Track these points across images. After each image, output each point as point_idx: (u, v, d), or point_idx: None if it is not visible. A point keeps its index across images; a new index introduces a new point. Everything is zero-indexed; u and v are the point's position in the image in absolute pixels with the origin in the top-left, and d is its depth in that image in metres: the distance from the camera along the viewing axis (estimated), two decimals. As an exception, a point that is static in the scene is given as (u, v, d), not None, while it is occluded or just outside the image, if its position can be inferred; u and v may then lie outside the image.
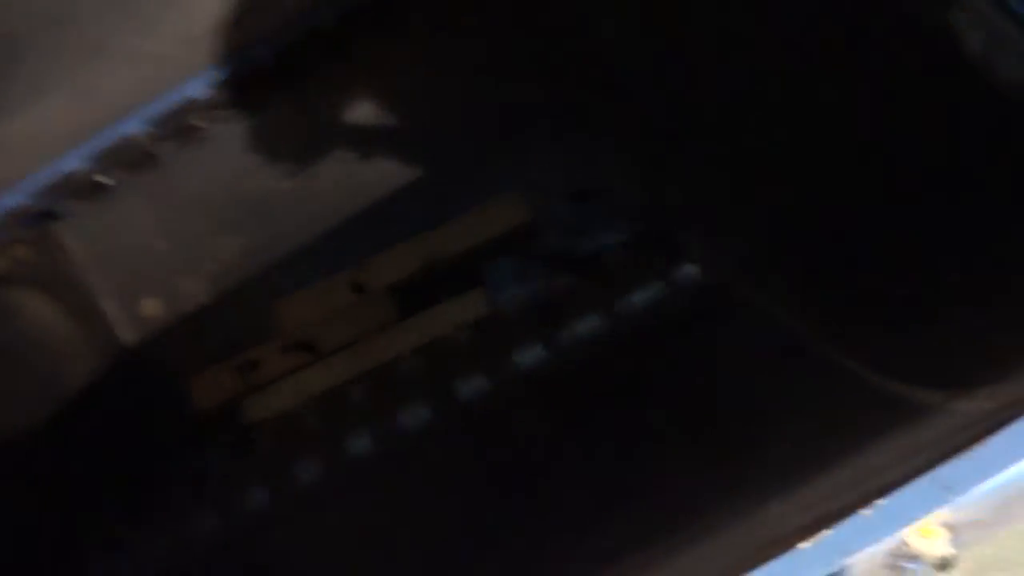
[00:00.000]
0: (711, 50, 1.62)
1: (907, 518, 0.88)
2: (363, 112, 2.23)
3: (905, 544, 1.96)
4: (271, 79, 2.04)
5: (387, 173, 2.21)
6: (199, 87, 1.84)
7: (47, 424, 1.80)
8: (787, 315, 1.45)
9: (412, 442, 1.75)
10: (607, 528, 1.14)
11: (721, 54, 1.58)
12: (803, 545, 0.84)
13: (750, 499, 0.98)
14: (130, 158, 2.00)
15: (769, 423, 1.19)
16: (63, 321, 1.97)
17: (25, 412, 1.76)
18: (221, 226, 2.20)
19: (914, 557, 1.98)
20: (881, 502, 0.85)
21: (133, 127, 1.79)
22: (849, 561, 1.87)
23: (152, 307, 2.17)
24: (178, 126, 1.98)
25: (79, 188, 1.97)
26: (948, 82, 1.10)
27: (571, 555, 1.11)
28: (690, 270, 1.78)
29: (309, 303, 2.08)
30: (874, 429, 1.04)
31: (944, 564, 2.05)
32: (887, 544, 2.00)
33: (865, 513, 0.85)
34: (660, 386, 1.48)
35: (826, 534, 0.84)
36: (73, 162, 1.75)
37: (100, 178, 2.02)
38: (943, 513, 1.96)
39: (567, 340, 1.83)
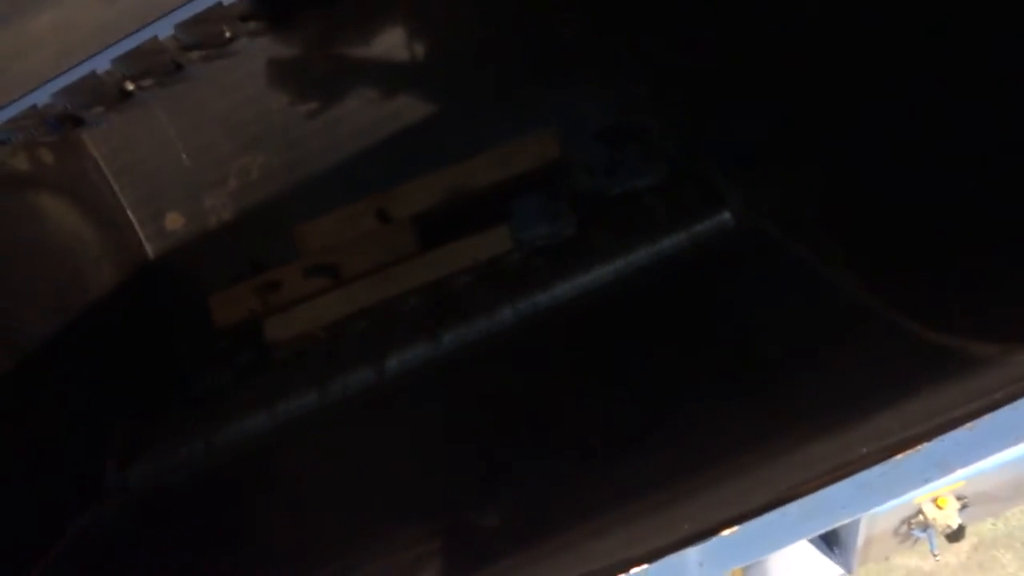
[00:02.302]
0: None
1: (946, 467, 0.85)
2: (395, 38, 2.17)
3: (920, 512, 1.96)
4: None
5: (418, 100, 2.16)
6: (230, -7, 1.77)
7: (66, 330, 1.80)
8: (824, 262, 1.41)
9: (425, 372, 1.74)
10: (635, 464, 1.14)
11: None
12: (833, 486, 0.83)
13: (787, 441, 0.97)
14: (157, 65, 1.95)
15: (809, 370, 1.17)
16: (87, 228, 1.95)
17: (47, 315, 1.75)
18: (246, 144, 2.17)
19: (926, 526, 1.98)
20: (921, 447, 0.82)
21: (161, 31, 1.73)
22: (862, 524, 1.86)
23: (175, 220, 2.16)
24: (206, 33, 1.92)
25: (106, 93, 1.93)
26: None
27: (598, 487, 1.11)
28: (726, 215, 1.73)
29: (333, 227, 2.06)
30: (919, 379, 1.02)
31: (954, 535, 2.05)
32: (901, 511, 1.98)
33: (902, 457, 0.83)
34: (692, 331, 1.45)
35: (861, 475, 0.82)
36: (100, 64, 1.70)
37: (128, 85, 1.98)
38: (957, 484, 1.95)
39: (593, 282, 1.80)
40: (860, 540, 1.88)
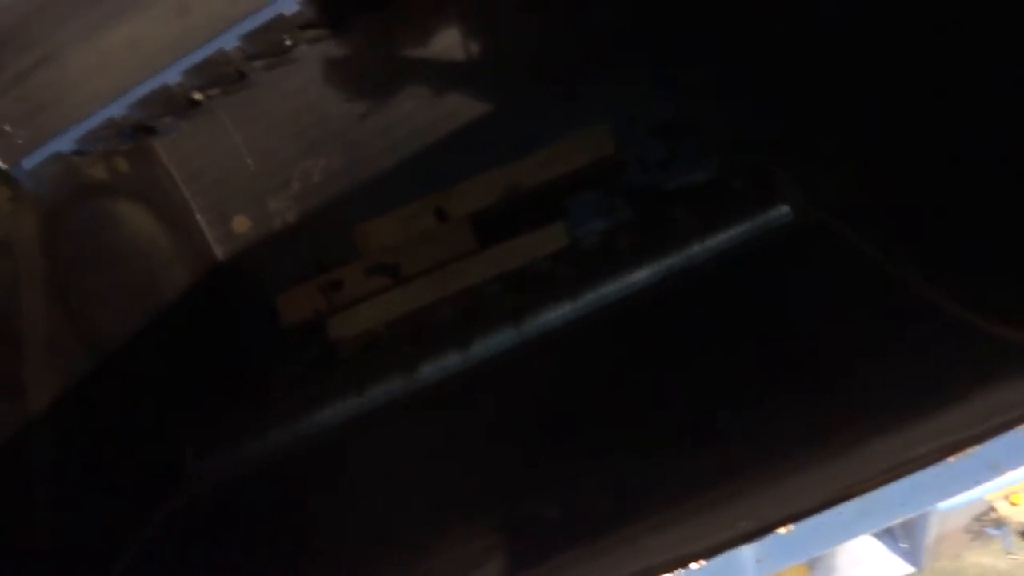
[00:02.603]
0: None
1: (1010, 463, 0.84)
2: (450, 39, 2.21)
3: (992, 509, 1.90)
4: (361, -1, 2.03)
5: (472, 100, 2.19)
6: (290, 3, 1.83)
7: (143, 329, 1.90)
8: (886, 256, 1.39)
9: (491, 366, 1.77)
10: (693, 460, 1.14)
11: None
12: (888, 485, 0.82)
13: (846, 438, 0.96)
14: (223, 75, 2.03)
15: (870, 365, 1.16)
16: (160, 232, 2.05)
17: (125, 316, 1.85)
18: (307, 147, 2.24)
19: (999, 523, 1.92)
20: (973, 450, 0.81)
21: (227, 43, 1.80)
22: (933, 520, 1.82)
23: (242, 223, 2.24)
24: (268, 42, 1.99)
25: (176, 103, 2.02)
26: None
27: (657, 483, 1.12)
28: (784, 209, 1.71)
29: (393, 227, 2.11)
30: (984, 375, 1.00)
31: (1029, 534, 1.96)
32: (973, 508, 1.93)
33: (954, 459, 0.82)
34: (751, 327, 1.44)
35: (915, 475, 0.82)
36: (171, 76, 1.78)
37: (196, 95, 2.07)
38: (1035, 481, 1.86)
39: (648, 277, 1.80)
40: (930, 537, 1.83)
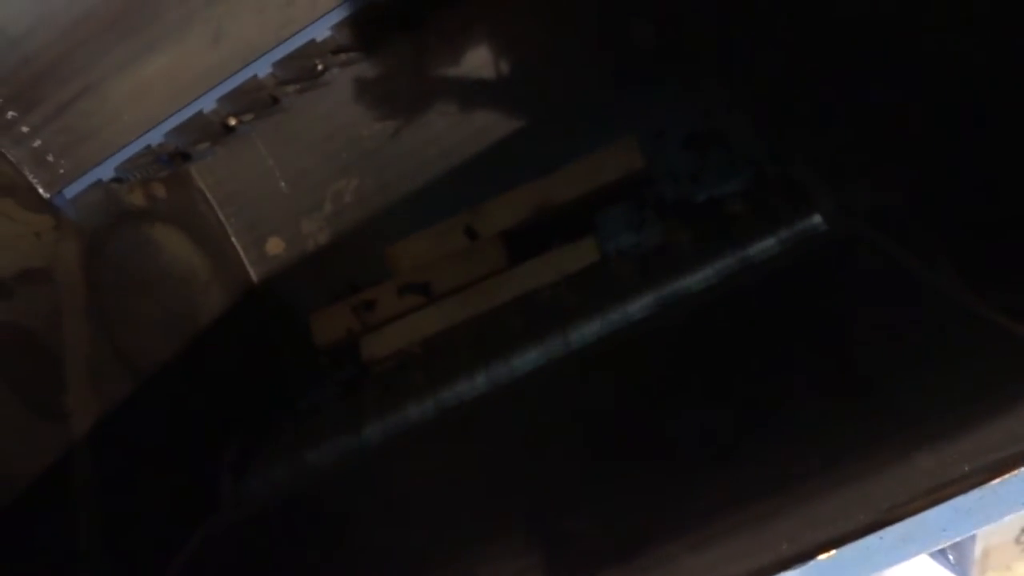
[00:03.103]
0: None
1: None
2: (479, 57, 2.23)
3: (1041, 522, 1.83)
4: (389, 21, 2.05)
5: (501, 117, 2.20)
6: (321, 29, 1.86)
7: (181, 352, 1.93)
8: (924, 264, 1.36)
9: (525, 384, 1.77)
10: (732, 477, 1.13)
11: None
12: (931, 510, 0.80)
13: (888, 453, 0.94)
14: (257, 100, 2.07)
15: (911, 378, 1.13)
16: (197, 256, 2.09)
17: (163, 339, 1.88)
18: (339, 169, 2.27)
19: (1048, 537, 1.85)
20: (1018, 471, 0.78)
21: (261, 69, 1.84)
22: (979, 533, 1.78)
23: (276, 245, 2.28)
24: (300, 67, 2.02)
25: (211, 130, 2.06)
26: None
27: (694, 500, 1.10)
28: (818, 219, 1.69)
29: (423, 246, 2.12)
30: (1020, 383, 0.97)
31: (1078, 547, 1.90)
32: (1021, 519, 1.88)
33: (998, 482, 0.79)
34: (786, 340, 1.42)
35: (959, 499, 0.79)
36: (206, 104, 1.83)
37: (230, 121, 2.11)
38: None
39: (683, 290, 1.78)
40: (979, 550, 1.78)
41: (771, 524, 0.87)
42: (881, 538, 0.76)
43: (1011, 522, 1.89)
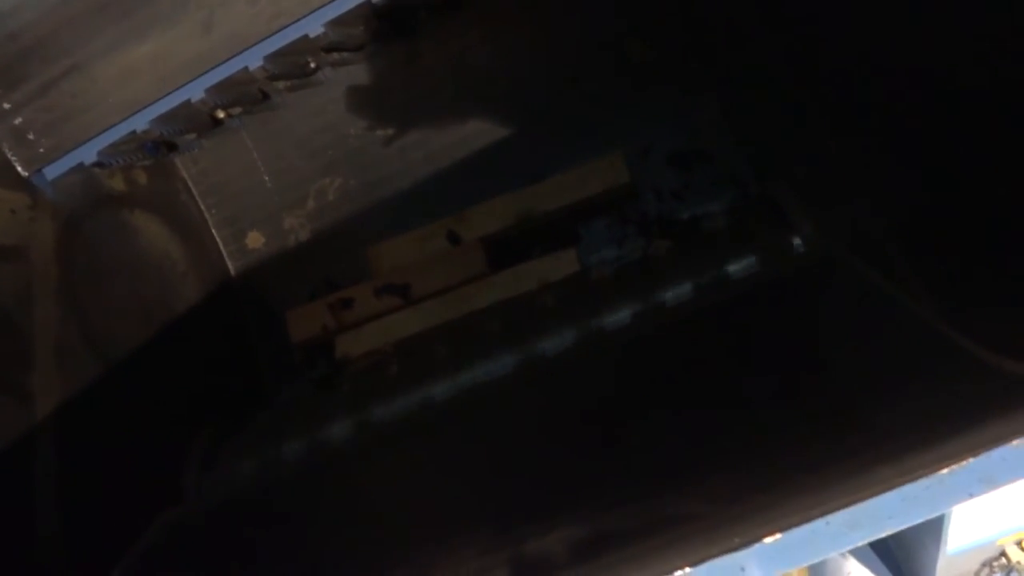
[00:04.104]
0: (830, 9, 1.54)
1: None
2: (471, 65, 2.24)
3: (1003, 555, 1.86)
4: (384, 24, 2.06)
5: (489, 125, 2.21)
6: (314, 25, 1.86)
7: (154, 340, 1.91)
8: (899, 289, 1.38)
9: (495, 389, 1.76)
10: (696, 487, 1.13)
11: (840, 14, 1.50)
12: (878, 497, 0.81)
13: (850, 466, 0.95)
14: (246, 94, 2.06)
15: (879, 398, 1.15)
16: (176, 245, 2.07)
17: (136, 326, 1.86)
18: (324, 167, 2.26)
19: (1009, 569, 1.88)
20: (966, 462, 0.80)
21: (251, 62, 1.83)
22: (941, 564, 1.79)
23: (256, 239, 2.26)
24: (292, 64, 2.02)
25: (198, 120, 2.05)
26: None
27: (656, 510, 1.10)
28: (797, 241, 1.71)
29: (405, 248, 2.12)
30: (991, 408, 0.98)
31: (1038, 578, 1.93)
32: (982, 553, 1.90)
33: (947, 472, 0.80)
34: (759, 354, 1.43)
35: (907, 488, 0.80)
36: (194, 93, 1.81)
37: (219, 113, 2.10)
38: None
39: (660, 304, 1.79)
40: (938, 583, 1.79)
41: (730, 526, 0.87)
42: (827, 523, 0.77)
43: (971, 555, 1.90)
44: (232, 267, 2.26)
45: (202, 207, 2.24)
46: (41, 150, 1.74)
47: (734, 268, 1.76)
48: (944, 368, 1.16)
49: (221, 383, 2.07)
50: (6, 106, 1.70)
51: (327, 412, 1.88)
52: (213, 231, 2.25)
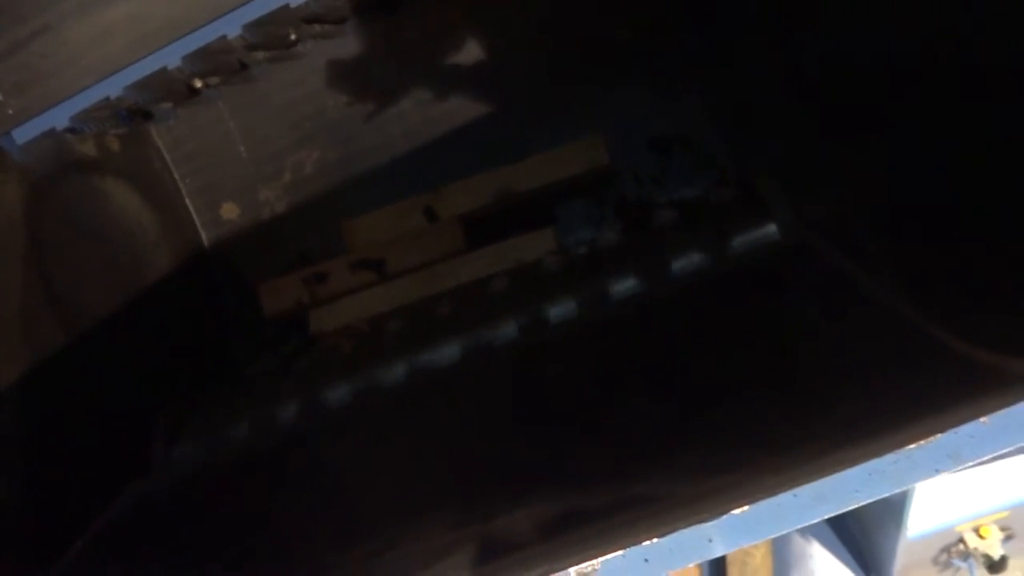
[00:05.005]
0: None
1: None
2: (453, 42, 2.22)
3: (961, 542, 1.91)
4: (367, -3, 2.04)
5: (470, 103, 2.20)
6: (296, -6, 1.84)
7: (122, 310, 1.88)
8: (871, 278, 1.39)
9: (466, 366, 1.76)
10: (664, 469, 1.14)
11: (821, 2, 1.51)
12: (845, 471, 0.83)
13: (815, 447, 0.96)
14: (224, 64, 2.03)
15: (847, 383, 1.16)
16: (147, 213, 2.04)
17: (105, 295, 1.83)
18: (302, 139, 2.23)
19: (967, 555, 1.93)
20: (934, 438, 0.81)
21: (229, 29, 1.80)
22: (901, 549, 1.83)
23: (230, 210, 2.23)
24: (272, 35, 1.99)
25: (175, 90, 2.02)
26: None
27: (627, 490, 1.11)
28: (772, 228, 1.72)
29: (381, 224, 2.11)
30: (957, 394, 1.00)
31: (995, 566, 1.99)
32: (941, 539, 1.94)
33: (915, 447, 0.82)
34: (732, 341, 1.44)
35: (873, 463, 0.82)
36: (171, 60, 1.78)
37: (196, 82, 2.07)
38: (1002, 515, 1.90)
39: (633, 287, 1.80)
40: (897, 565, 1.83)
41: (696, 502, 0.88)
42: (795, 495, 0.78)
43: (930, 540, 1.95)
44: (205, 238, 2.23)
45: (176, 176, 2.21)
46: (10, 111, 1.70)
47: (710, 253, 1.76)
48: (915, 356, 1.17)
49: (191, 355, 2.05)
50: (-27, 65, 1.66)
51: (296, 387, 1.87)
52: (186, 200, 2.21)
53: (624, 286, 1.78)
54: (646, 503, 1.05)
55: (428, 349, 1.78)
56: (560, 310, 1.76)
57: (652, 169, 2.12)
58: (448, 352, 1.78)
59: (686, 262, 1.78)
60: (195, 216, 2.22)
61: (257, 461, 1.77)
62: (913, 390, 1.06)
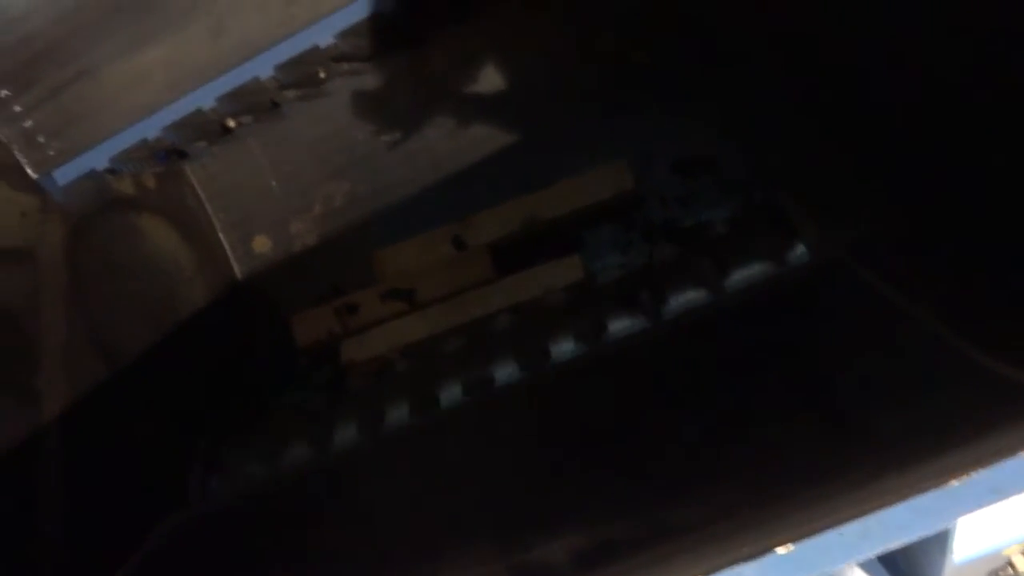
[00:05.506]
0: (830, 14, 1.54)
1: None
2: (478, 73, 2.25)
3: (1010, 565, 1.85)
4: (393, 30, 2.08)
5: (495, 132, 2.22)
6: (324, 35, 1.88)
7: (159, 343, 1.91)
8: (905, 298, 1.37)
9: (499, 397, 1.76)
10: (700, 497, 1.13)
11: (840, 19, 1.50)
12: (889, 508, 0.81)
13: (856, 476, 0.95)
14: (257, 103, 2.08)
15: (884, 407, 1.14)
16: (183, 248, 2.08)
17: (142, 329, 1.87)
18: (332, 172, 2.28)
19: (1015, 579, 1.85)
20: (975, 473, 0.80)
21: (261, 71, 1.85)
22: (947, 574, 1.78)
23: (263, 244, 2.27)
24: (303, 73, 2.04)
25: (209, 129, 2.07)
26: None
27: (661, 521, 1.10)
28: (801, 249, 1.70)
29: (411, 254, 2.13)
30: (997, 417, 0.98)
31: (1045, 589, 1.91)
32: (989, 563, 1.89)
33: (957, 483, 0.81)
34: (764, 364, 1.43)
35: (917, 499, 0.81)
36: (206, 101, 1.83)
37: (229, 121, 2.12)
38: (1052, 538, 1.82)
39: (664, 312, 1.79)
40: (945, 592, 1.77)
41: (735, 536, 0.87)
42: (841, 534, 0.77)
43: (977, 564, 1.89)
44: (238, 271, 2.27)
45: (209, 211, 2.26)
46: (51, 153, 1.76)
47: (738, 276, 1.75)
48: (950, 378, 1.15)
49: (226, 387, 2.08)
50: (17, 109, 1.72)
51: (331, 417, 1.88)
52: (220, 235, 2.26)
53: (655, 311, 1.77)
54: (683, 534, 1.04)
55: (458, 383, 1.79)
56: (593, 339, 1.76)
57: (678, 192, 2.12)
58: (481, 381, 1.78)
59: (713, 285, 1.77)
60: (228, 250, 2.26)
61: (292, 492, 1.79)
62: (952, 413, 1.04)
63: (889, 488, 0.84)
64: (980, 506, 0.76)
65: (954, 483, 0.76)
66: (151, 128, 1.82)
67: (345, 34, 1.92)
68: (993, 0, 1.08)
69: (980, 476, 0.76)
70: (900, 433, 1.05)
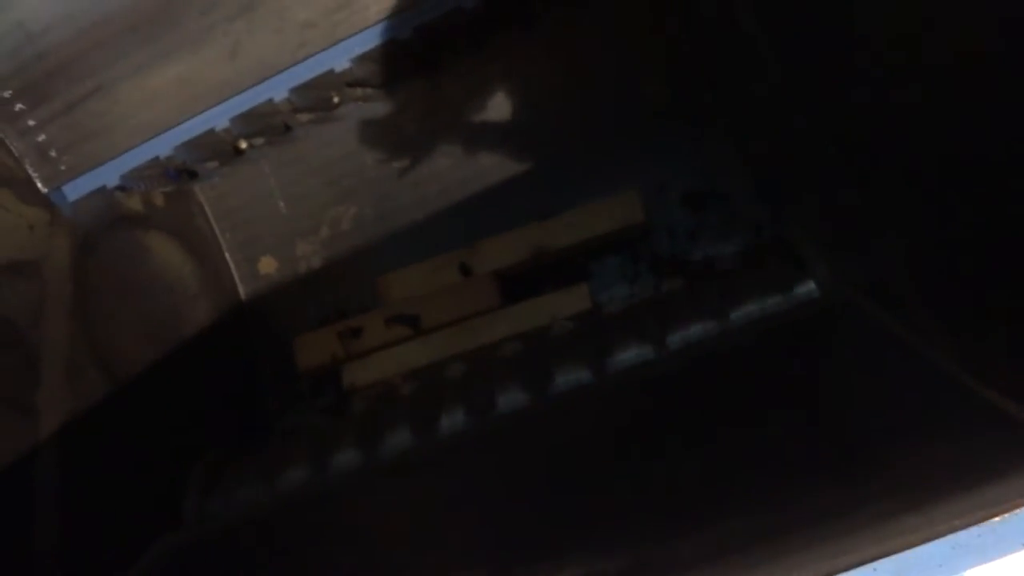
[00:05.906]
0: (846, 53, 1.55)
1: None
2: (489, 100, 2.26)
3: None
4: (408, 58, 2.09)
5: (505, 160, 2.23)
6: (340, 59, 1.89)
7: (162, 361, 1.90)
8: (917, 336, 1.36)
9: (503, 424, 1.74)
10: (709, 533, 1.10)
11: (857, 57, 1.51)
12: (927, 545, 0.79)
13: (874, 512, 0.93)
14: (270, 126, 2.09)
15: (899, 447, 1.12)
16: (188, 267, 2.08)
17: (145, 346, 1.86)
18: (340, 196, 2.28)
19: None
20: (1020, 511, 0.78)
21: (276, 93, 1.85)
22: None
23: (268, 265, 2.27)
24: (317, 97, 2.05)
25: (221, 150, 2.08)
26: None
27: (671, 557, 1.08)
28: (810, 286, 1.70)
29: (416, 279, 2.12)
30: (1009, 457, 0.96)
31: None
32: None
33: (999, 520, 0.79)
34: (773, 399, 1.41)
35: (957, 536, 0.79)
36: (219, 122, 1.83)
37: (241, 143, 2.13)
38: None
39: (670, 344, 1.77)
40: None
41: (753, 571, 0.84)
42: (875, 570, 0.75)
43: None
44: (243, 291, 2.26)
45: (216, 231, 2.25)
46: (62, 167, 1.76)
47: (747, 310, 1.74)
48: (964, 417, 1.14)
49: (226, 407, 2.06)
50: (30, 123, 1.73)
51: (331, 441, 1.86)
52: (226, 255, 2.26)
53: (661, 343, 1.75)
54: (694, 566, 1.01)
55: (461, 410, 1.77)
56: (599, 368, 1.74)
57: (687, 224, 2.11)
58: (484, 408, 1.76)
59: (721, 319, 1.75)
60: (234, 270, 2.26)
61: (289, 517, 1.76)
62: (965, 452, 1.02)
63: (908, 527, 0.82)
64: (1021, 546, 0.74)
65: (995, 520, 0.75)
66: (163, 146, 1.83)
67: (360, 59, 1.93)
68: None
69: (1021, 515, 0.74)
70: (914, 474, 1.03)
